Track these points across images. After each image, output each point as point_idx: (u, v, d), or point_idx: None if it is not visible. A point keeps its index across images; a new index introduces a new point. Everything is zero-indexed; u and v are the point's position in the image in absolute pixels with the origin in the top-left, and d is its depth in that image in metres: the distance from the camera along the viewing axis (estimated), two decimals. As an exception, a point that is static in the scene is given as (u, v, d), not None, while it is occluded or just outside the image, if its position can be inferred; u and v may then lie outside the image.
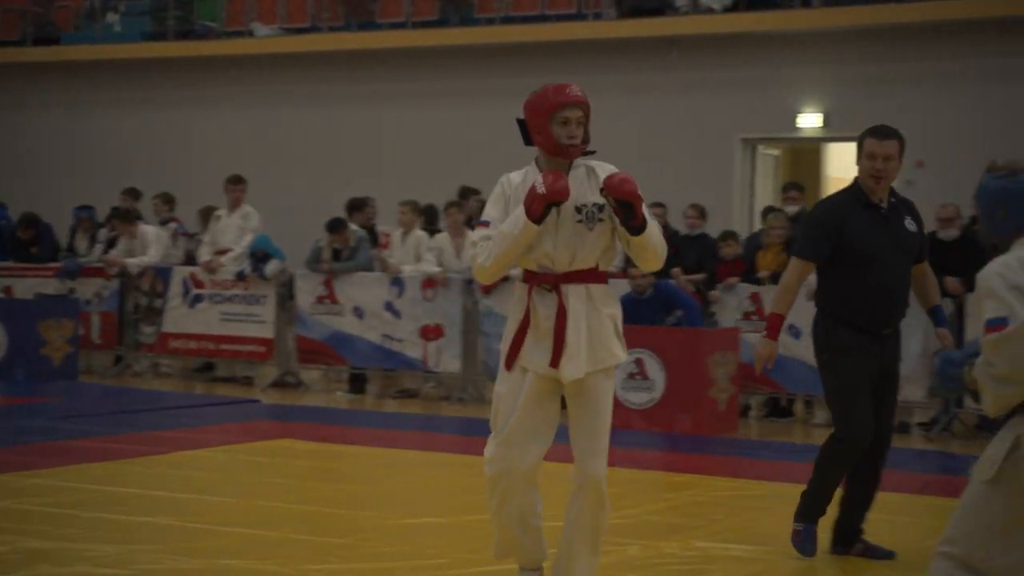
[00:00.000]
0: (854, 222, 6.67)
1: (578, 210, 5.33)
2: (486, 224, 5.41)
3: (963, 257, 11.58)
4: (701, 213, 13.69)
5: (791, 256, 6.97)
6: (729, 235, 13.42)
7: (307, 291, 14.70)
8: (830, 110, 17.09)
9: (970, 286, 11.45)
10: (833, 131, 17.28)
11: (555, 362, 5.32)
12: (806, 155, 18.69)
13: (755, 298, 12.63)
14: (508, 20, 19.05)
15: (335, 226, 14.58)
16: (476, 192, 14.88)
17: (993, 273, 4.04)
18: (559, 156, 5.36)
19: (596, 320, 5.36)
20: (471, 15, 19.48)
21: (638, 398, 12.00)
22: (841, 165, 18.97)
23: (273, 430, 11.69)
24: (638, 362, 11.96)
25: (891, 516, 8.26)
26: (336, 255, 14.54)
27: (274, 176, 19.30)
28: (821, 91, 17.16)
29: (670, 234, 13.60)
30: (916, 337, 11.79)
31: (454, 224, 14.13)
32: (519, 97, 5.54)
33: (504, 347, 5.46)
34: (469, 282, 13.82)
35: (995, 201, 4.17)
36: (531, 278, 5.42)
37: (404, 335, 14.16)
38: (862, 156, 6.68)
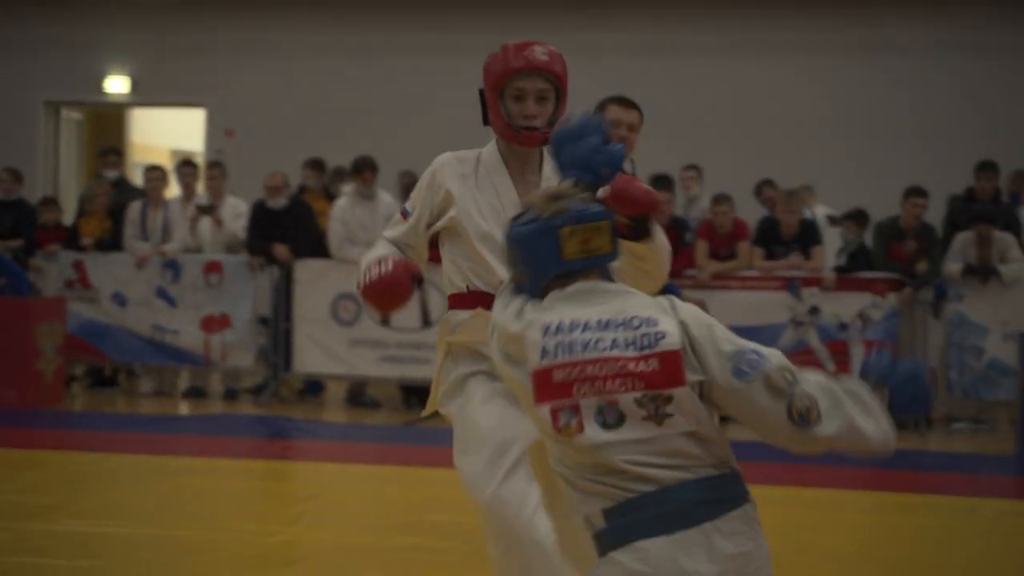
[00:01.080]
0: None
1: None
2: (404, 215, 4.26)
3: (292, 224, 11.83)
4: (16, 177, 12.99)
5: None
6: (50, 201, 12.88)
7: None
8: (138, 75, 16.80)
9: (297, 253, 11.74)
10: (140, 97, 17.01)
11: None
12: (110, 120, 18.27)
13: (78, 266, 12.19)
14: None
15: None
16: None
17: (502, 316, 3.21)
18: (513, 143, 4.13)
19: None
20: None
21: (-42, 373, 11.25)
22: (146, 132, 18.76)
23: None
24: (-43, 334, 11.22)
25: (226, 481, 8.40)
26: None
27: None
28: (129, 56, 16.82)
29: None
30: (246, 303, 11.93)
31: None
32: None
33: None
34: None
35: (510, 250, 3.22)
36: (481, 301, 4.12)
37: None
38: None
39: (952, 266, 11.17)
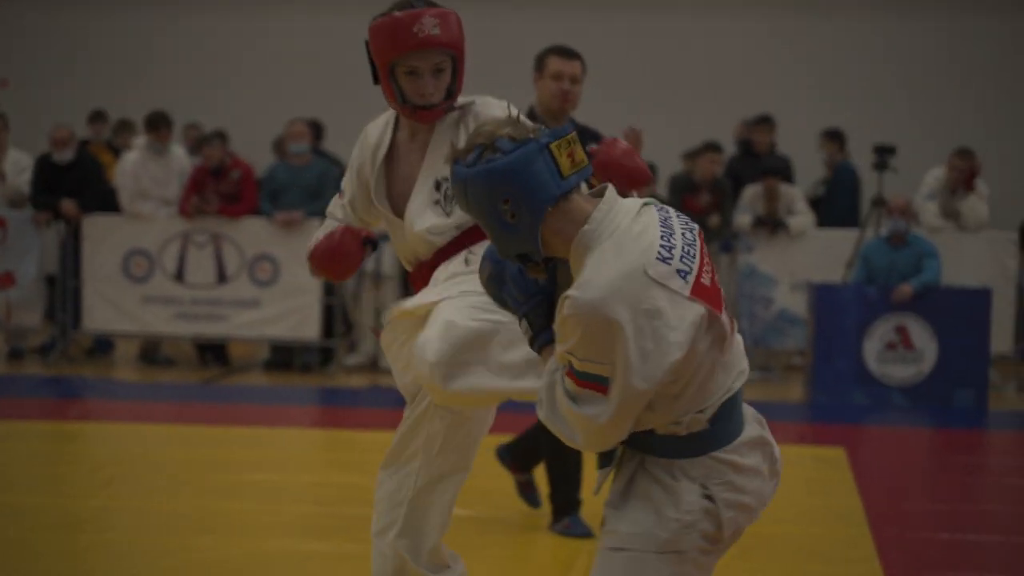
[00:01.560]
0: None
1: (437, 187, 3.81)
2: (340, 194, 4.06)
3: (79, 178, 11.48)
4: None
5: None
6: None
7: None
8: (-98, 21, 16.02)
9: (85, 208, 11.39)
10: None
11: None
12: None
13: None
14: None
15: None
16: None
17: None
18: (411, 120, 3.84)
19: None
20: None
21: None
22: None
23: None
24: None
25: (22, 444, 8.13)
26: None
27: None
28: None
29: None
30: (31, 260, 11.54)
31: None
32: None
33: None
34: None
35: (490, 191, 2.85)
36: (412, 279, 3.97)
37: None
38: (544, 76, 5.72)
39: (742, 218, 11.45)
